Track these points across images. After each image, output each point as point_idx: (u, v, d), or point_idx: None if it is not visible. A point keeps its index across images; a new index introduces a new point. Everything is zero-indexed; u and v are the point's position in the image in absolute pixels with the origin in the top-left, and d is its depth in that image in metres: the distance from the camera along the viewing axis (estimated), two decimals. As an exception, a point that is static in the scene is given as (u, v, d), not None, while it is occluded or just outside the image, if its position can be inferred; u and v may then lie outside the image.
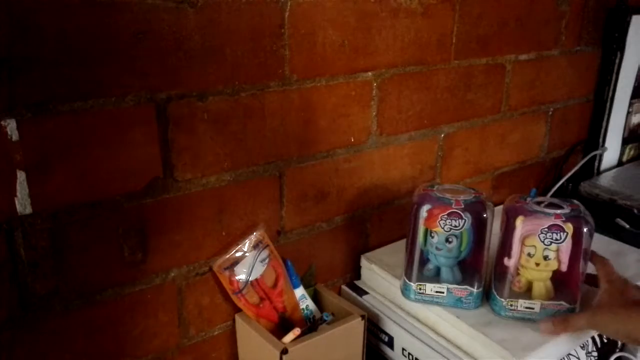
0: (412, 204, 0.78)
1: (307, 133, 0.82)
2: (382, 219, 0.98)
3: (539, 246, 0.73)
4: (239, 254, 0.77)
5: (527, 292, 0.76)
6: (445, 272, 0.79)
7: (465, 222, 0.75)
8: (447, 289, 0.78)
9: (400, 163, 0.97)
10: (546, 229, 0.71)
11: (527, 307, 0.76)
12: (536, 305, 0.75)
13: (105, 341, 0.70)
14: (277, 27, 0.74)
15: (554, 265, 0.73)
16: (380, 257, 0.93)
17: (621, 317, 0.67)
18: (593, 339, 0.83)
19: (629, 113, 1.38)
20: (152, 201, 0.69)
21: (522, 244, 0.74)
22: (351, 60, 0.83)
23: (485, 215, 0.75)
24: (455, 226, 0.75)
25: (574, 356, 0.79)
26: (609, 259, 0.76)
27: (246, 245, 0.78)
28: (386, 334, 0.85)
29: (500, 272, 0.77)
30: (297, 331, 0.75)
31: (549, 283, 0.76)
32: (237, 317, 0.80)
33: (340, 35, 0.80)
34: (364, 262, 0.94)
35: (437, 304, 0.80)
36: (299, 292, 0.84)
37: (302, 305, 0.84)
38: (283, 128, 0.79)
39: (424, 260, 0.80)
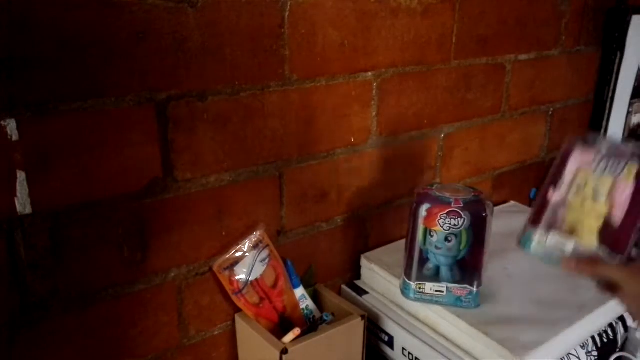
0: (412, 203, 0.78)
1: (307, 133, 0.82)
2: (382, 219, 0.98)
3: (589, 179, 0.62)
4: (239, 254, 0.77)
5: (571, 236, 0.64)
6: (444, 271, 0.79)
7: (464, 221, 0.75)
8: (447, 288, 0.78)
9: (400, 163, 0.97)
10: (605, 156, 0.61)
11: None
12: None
13: (105, 341, 0.70)
14: (277, 27, 0.74)
15: (603, 209, 0.61)
16: (380, 257, 0.93)
17: None
18: (593, 338, 0.83)
19: (629, 113, 1.38)
20: (152, 201, 0.69)
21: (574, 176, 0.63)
22: (351, 60, 0.83)
23: (484, 215, 0.75)
24: (455, 225, 0.75)
25: (574, 356, 0.79)
26: None
27: (246, 245, 0.78)
28: (386, 333, 0.85)
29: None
30: (297, 331, 0.75)
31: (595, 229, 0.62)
32: (237, 317, 0.80)
33: (340, 35, 0.80)
34: (364, 262, 0.94)
35: (437, 303, 0.80)
36: (299, 292, 0.84)
37: (302, 305, 0.84)
38: (283, 128, 0.79)
39: (423, 260, 0.80)
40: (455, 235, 0.76)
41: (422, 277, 0.80)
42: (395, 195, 0.99)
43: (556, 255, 0.63)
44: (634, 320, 0.70)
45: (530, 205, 1.24)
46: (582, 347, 0.81)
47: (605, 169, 0.61)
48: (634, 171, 0.60)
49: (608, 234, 0.62)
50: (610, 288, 0.60)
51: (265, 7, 0.72)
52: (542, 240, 0.63)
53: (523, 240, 0.64)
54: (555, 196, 0.63)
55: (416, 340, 0.79)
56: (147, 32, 0.63)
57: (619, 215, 0.60)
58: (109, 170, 0.64)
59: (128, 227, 0.68)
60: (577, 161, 0.63)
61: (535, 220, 0.63)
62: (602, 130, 1.33)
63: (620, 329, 0.87)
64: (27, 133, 0.57)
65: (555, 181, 0.63)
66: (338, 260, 0.94)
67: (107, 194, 0.65)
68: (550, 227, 0.63)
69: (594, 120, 1.34)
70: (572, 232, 0.62)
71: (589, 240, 0.61)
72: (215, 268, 0.76)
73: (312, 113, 0.81)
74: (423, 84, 0.95)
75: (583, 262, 0.61)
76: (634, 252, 0.62)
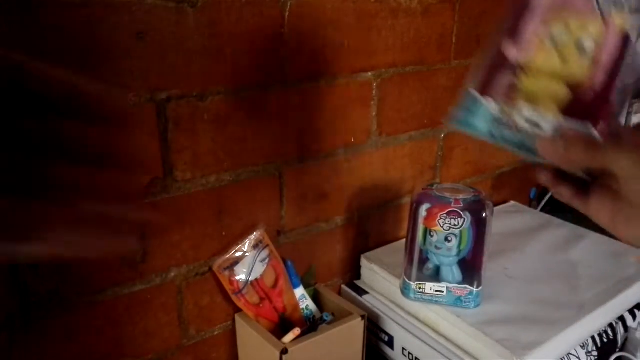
0: (412, 203, 0.78)
1: (307, 133, 0.82)
2: (382, 219, 0.98)
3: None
4: (239, 254, 0.77)
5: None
6: (444, 272, 0.79)
7: (464, 221, 0.75)
8: (447, 288, 0.78)
9: (400, 163, 0.97)
10: None
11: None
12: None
13: (105, 341, 0.70)
14: (277, 27, 0.74)
15: (581, 67, 0.42)
16: (380, 257, 0.93)
17: None
18: (593, 338, 0.83)
19: (629, 113, 1.38)
20: (152, 201, 0.69)
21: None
22: (351, 60, 0.83)
23: (484, 215, 0.75)
24: (455, 225, 0.75)
25: (574, 356, 0.79)
26: None
27: (246, 245, 0.78)
28: (386, 333, 0.85)
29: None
30: (297, 331, 0.75)
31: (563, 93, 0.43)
32: (237, 317, 0.80)
33: (340, 35, 0.80)
34: (364, 262, 0.94)
35: (437, 303, 0.80)
36: (299, 292, 0.84)
37: (302, 305, 0.84)
38: (283, 128, 0.79)
39: (423, 260, 0.80)
40: (455, 235, 0.76)
41: (422, 277, 0.80)
42: (395, 195, 0.99)
43: (523, 134, 0.44)
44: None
45: (530, 205, 1.24)
46: (582, 347, 0.81)
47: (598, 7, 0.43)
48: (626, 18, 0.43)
49: (578, 104, 0.42)
50: (605, 184, 0.40)
51: (265, 7, 0.72)
52: (500, 112, 0.44)
53: (466, 113, 0.46)
54: (515, 53, 0.44)
55: (416, 340, 0.79)
56: (147, 32, 0.63)
57: (600, 77, 0.42)
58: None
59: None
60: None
61: (485, 86, 0.45)
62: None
63: (620, 329, 0.87)
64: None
65: (514, 32, 0.44)
66: (338, 260, 0.94)
67: (107, 194, 0.65)
68: (508, 95, 0.44)
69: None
70: (531, 102, 0.43)
71: (553, 114, 0.42)
72: (215, 268, 0.76)
73: (312, 113, 0.81)
74: (423, 84, 0.95)
75: (575, 144, 0.39)
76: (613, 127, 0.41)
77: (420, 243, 0.79)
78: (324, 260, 0.92)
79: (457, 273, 0.79)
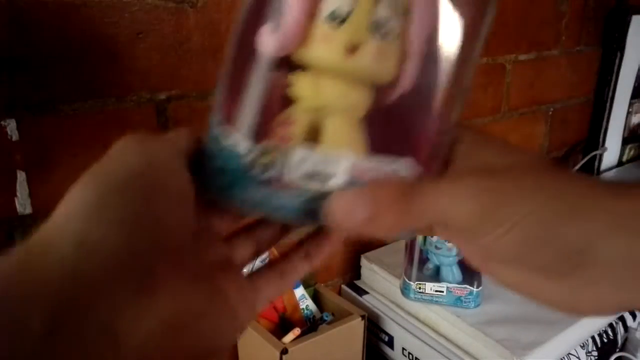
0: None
1: (307, 133, 0.82)
2: (382, 219, 0.98)
3: None
4: (239, 254, 0.77)
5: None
6: (444, 271, 0.79)
7: (465, 222, 0.75)
8: (447, 288, 0.78)
9: (400, 163, 0.97)
10: None
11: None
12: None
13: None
14: (277, 27, 0.73)
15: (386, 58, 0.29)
16: (380, 257, 0.93)
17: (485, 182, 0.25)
18: (593, 338, 0.83)
19: (629, 113, 1.38)
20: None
21: None
22: (351, 60, 0.83)
23: (485, 215, 0.75)
24: (455, 226, 0.75)
25: (574, 356, 0.79)
26: None
27: (246, 245, 0.77)
28: (386, 333, 0.85)
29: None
30: (297, 331, 0.75)
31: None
32: (237, 317, 0.80)
33: (340, 35, 0.80)
34: (364, 262, 0.94)
35: (437, 303, 0.80)
36: (299, 292, 0.84)
37: (302, 305, 0.84)
38: (283, 128, 0.79)
39: (423, 260, 0.80)
40: (455, 235, 0.76)
41: (422, 277, 0.80)
42: (395, 195, 0.99)
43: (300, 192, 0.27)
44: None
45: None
46: (582, 347, 0.81)
47: None
48: None
49: (387, 126, 0.29)
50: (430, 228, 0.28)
51: (265, 7, 0.71)
52: (257, 153, 0.28)
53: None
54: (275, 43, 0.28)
55: (416, 340, 0.79)
56: (147, 32, 0.63)
57: (413, 74, 0.29)
58: (109, 170, 0.64)
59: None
60: None
61: (228, 112, 0.29)
62: (602, 131, 1.33)
63: (620, 329, 0.87)
64: (27, 133, 0.57)
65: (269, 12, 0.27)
66: (338, 260, 0.94)
67: (107, 194, 0.65)
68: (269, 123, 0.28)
69: (594, 120, 1.34)
70: (312, 132, 0.29)
71: (350, 149, 0.28)
72: (215, 268, 0.76)
73: (312, 113, 0.81)
74: (423, 84, 0.95)
75: (390, 200, 0.26)
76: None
77: (421, 243, 0.79)
78: (324, 260, 0.92)
79: (457, 273, 0.79)
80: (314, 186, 0.27)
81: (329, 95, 0.31)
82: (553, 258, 0.23)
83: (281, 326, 0.80)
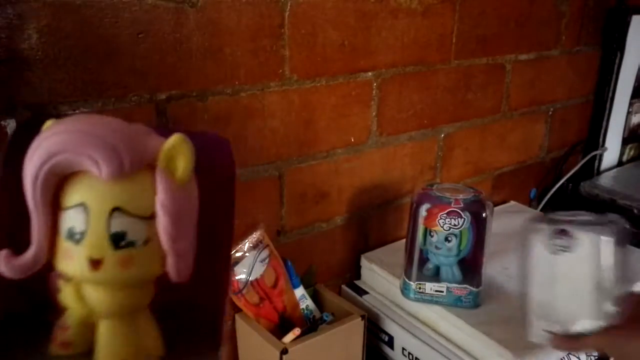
0: (412, 203, 0.78)
1: (307, 133, 0.82)
2: (382, 219, 0.98)
3: None
4: (239, 254, 0.77)
5: None
6: (444, 271, 0.79)
7: (464, 221, 0.75)
8: (447, 288, 0.78)
9: (400, 163, 0.97)
10: None
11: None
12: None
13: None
14: (277, 27, 0.74)
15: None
16: (380, 257, 0.93)
17: None
18: (593, 338, 0.83)
19: (629, 113, 1.38)
20: (152, 201, 0.69)
21: None
22: (351, 60, 0.83)
23: (484, 215, 0.75)
24: (455, 225, 0.75)
25: (574, 356, 0.79)
26: None
27: (246, 245, 0.78)
28: (386, 333, 0.85)
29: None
30: (297, 331, 0.75)
31: None
32: (237, 317, 0.80)
33: (340, 35, 0.80)
34: (364, 262, 0.94)
35: (437, 303, 0.80)
36: (299, 292, 0.84)
37: (302, 305, 0.84)
38: (283, 128, 0.79)
39: (423, 260, 0.80)
40: (455, 235, 0.76)
41: (422, 277, 0.80)
42: (395, 195, 0.99)
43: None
44: None
45: (530, 205, 1.24)
46: (582, 347, 0.81)
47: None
48: None
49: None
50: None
51: (265, 7, 0.72)
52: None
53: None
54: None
55: (416, 340, 0.79)
56: (147, 32, 0.63)
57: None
58: (109, 170, 0.64)
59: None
60: None
61: None
62: (602, 131, 1.33)
63: (620, 329, 0.87)
64: (26, 133, 0.57)
65: None
66: (338, 260, 0.94)
67: (107, 194, 0.65)
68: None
69: (594, 120, 1.34)
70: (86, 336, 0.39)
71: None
72: (215, 268, 0.76)
73: (312, 113, 0.81)
74: (423, 84, 0.95)
75: (563, 341, 0.57)
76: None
77: (421, 243, 0.79)
78: (324, 260, 0.92)
79: (457, 273, 0.79)
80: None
81: (92, 302, 0.37)
82: None
83: (281, 326, 0.80)
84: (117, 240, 0.36)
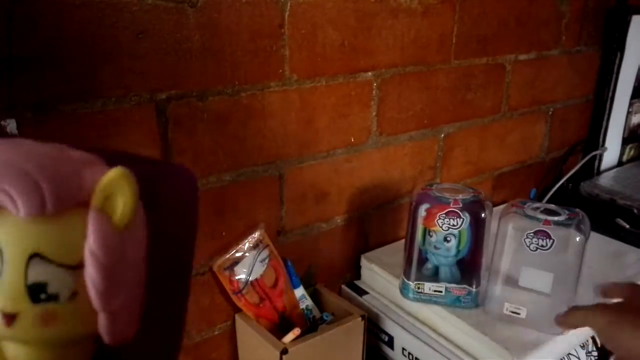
0: (411, 203, 0.78)
1: (307, 133, 0.82)
2: (382, 219, 0.98)
3: None
4: (239, 254, 0.77)
5: None
6: (444, 272, 0.79)
7: (463, 221, 0.75)
8: (446, 288, 0.78)
9: (400, 163, 0.97)
10: None
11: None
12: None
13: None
14: (277, 27, 0.74)
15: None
16: (380, 257, 0.93)
17: None
18: (593, 338, 0.83)
19: (629, 113, 1.38)
20: (152, 201, 0.69)
21: None
22: (351, 60, 0.83)
23: (483, 215, 0.75)
24: (454, 225, 0.75)
25: (574, 356, 0.79)
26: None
27: (246, 245, 0.78)
28: (386, 333, 0.85)
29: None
30: (297, 331, 0.75)
31: None
32: (237, 317, 0.80)
33: (340, 35, 0.81)
34: (364, 262, 0.94)
35: (436, 303, 0.80)
36: (299, 292, 0.84)
37: (302, 305, 0.84)
38: (283, 128, 0.79)
39: (422, 260, 0.80)
40: (454, 236, 0.76)
41: (421, 277, 0.80)
42: (395, 195, 0.99)
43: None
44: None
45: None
46: (582, 347, 0.81)
47: None
48: None
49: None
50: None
51: (265, 7, 0.72)
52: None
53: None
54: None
55: (416, 340, 0.80)
56: (147, 32, 0.63)
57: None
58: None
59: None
60: None
61: None
62: (602, 131, 1.33)
63: (620, 329, 0.87)
64: (27, 133, 0.57)
65: None
66: (338, 260, 0.94)
67: (107, 194, 0.65)
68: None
69: (594, 120, 1.34)
70: None
71: None
72: (215, 268, 0.76)
73: (312, 113, 0.81)
74: (423, 84, 0.95)
75: (565, 317, 0.57)
76: None
77: (420, 243, 0.79)
78: (324, 260, 0.92)
79: (455, 273, 0.79)
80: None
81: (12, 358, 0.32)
82: None
83: (281, 326, 0.80)
84: (36, 292, 0.30)
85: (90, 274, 0.31)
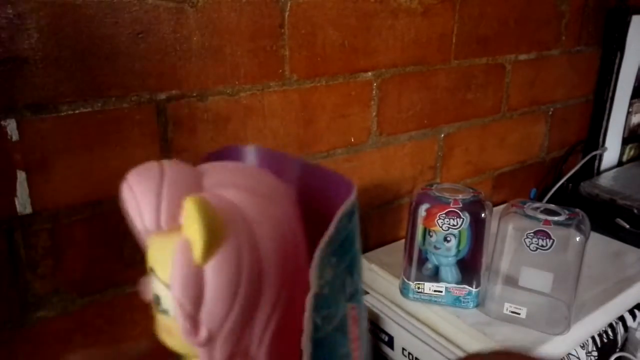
0: (411, 203, 0.78)
1: (307, 133, 0.82)
2: (382, 219, 0.98)
3: None
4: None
5: None
6: (444, 272, 0.79)
7: (463, 222, 0.75)
8: (446, 288, 0.78)
9: (400, 163, 0.97)
10: None
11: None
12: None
13: (104, 341, 0.70)
14: (277, 27, 0.74)
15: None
16: (380, 257, 0.93)
17: None
18: (593, 338, 0.83)
19: (629, 113, 1.38)
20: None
21: None
22: (351, 60, 0.83)
23: (483, 215, 0.75)
24: (454, 225, 0.75)
25: (574, 356, 0.79)
26: None
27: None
28: (386, 333, 0.85)
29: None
30: (297, 331, 0.75)
31: None
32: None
33: (340, 35, 0.81)
34: (363, 262, 0.94)
35: (436, 303, 0.80)
36: (299, 292, 0.84)
37: (302, 305, 0.84)
38: (283, 128, 0.79)
39: (422, 260, 0.80)
40: (454, 236, 0.76)
41: (421, 277, 0.80)
42: (395, 195, 0.99)
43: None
44: None
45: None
46: (582, 347, 0.81)
47: None
48: None
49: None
50: None
51: (265, 7, 0.72)
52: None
53: None
54: None
55: (416, 340, 0.80)
56: (147, 32, 0.63)
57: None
58: (109, 170, 0.64)
59: (128, 227, 0.68)
60: None
61: None
62: (602, 131, 1.33)
63: (620, 329, 0.87)
64: (27, 133, 0.57)
65: None
66: (338, 260, 0.94)
67: (107, 194, 0.65)
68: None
69: (594, 120, 1.34)
70: None
71: None
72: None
73: (312, 113, 0.81)
74: (423, 84, 0.95)
75: None
76: None
77: (420, 243, 0.79)
78: (323, 260, 0.92)
79: (455, 273, 0.79)
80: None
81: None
82: None
83: (281, 326, 0.80)
84: (156, 303, 0.31)
85: (175, 303, 0.29)
